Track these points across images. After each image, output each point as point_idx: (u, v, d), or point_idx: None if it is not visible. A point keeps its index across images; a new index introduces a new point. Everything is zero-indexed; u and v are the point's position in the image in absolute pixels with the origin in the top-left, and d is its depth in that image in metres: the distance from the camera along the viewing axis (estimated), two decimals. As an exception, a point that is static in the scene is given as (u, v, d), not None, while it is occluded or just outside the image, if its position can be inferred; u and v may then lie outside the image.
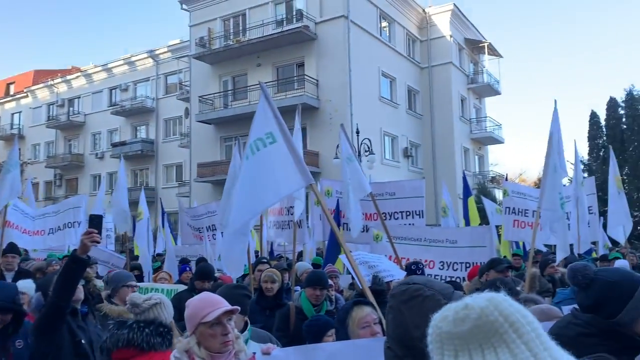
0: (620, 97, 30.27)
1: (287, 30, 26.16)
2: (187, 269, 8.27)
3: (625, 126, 29.64)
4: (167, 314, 2.98)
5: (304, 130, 25.84)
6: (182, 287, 6.18)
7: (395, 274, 5.51)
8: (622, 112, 30.11)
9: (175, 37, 37.53)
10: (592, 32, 73.10)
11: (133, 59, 37.14)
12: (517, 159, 74.78)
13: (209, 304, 2.53)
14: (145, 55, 36.33)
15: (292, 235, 6.73)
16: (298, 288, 5.63)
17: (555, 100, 6.54)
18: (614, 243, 12.74)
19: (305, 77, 25.97)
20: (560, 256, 7.25)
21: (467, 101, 33.72)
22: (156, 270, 9.06)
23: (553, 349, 0.91)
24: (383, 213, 9.47)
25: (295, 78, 26.85)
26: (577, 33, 73.40)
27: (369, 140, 20.28)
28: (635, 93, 29.91)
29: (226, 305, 2.54)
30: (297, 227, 7.59)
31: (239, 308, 2.62)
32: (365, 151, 19.73)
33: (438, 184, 29.69)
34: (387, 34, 29.73)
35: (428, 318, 1.03)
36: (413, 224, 9.01)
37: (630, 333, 2.06)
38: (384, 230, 7.01)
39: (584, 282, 2.27)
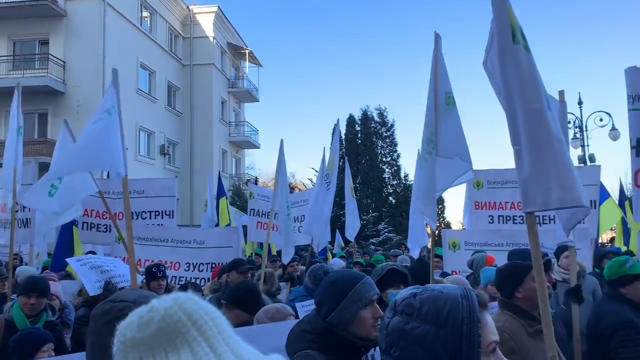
0: (357, 115, 34.60)
1: (29, 0, 22.84)
2: None
3: (360, 141, 33.91)
4: None
5: (44, 116, 23.11)
6: None
7: (129, 279, 5.15)
8: (358, 128, 34.39)
9: None
10: (339, 54, 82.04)
11: None
12: (271, 163, 79.15)
13: None
14: None
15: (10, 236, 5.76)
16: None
17: (339, 120, 7.05)
18: (346, 242, 14.42)
19: (50, 56, 23.03)
20: (286, 258, 7.81)
21: (227, 104, 34.34)
22: None
23: (236, 344, 0.90)
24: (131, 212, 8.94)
25: (37, 56, 23.61)
26: (330, 53, 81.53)
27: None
28: (369, 113, 34.54)
29: None
30: (21, 227, 6.57)
31: None
32: (117, 145, 18.39)
33: (195, 183, 29.54)
34: (148, 25, 28.40)
35: None
36: (162, 225, 8.68)
37: (343, 333, 2.10)
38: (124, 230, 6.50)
39: (316, 282, 2.36)
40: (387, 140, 34.66)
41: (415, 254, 10.76)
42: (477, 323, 1.20)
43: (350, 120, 34.18)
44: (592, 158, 18.07)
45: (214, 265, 7.45)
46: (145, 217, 8.85)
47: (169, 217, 8.86)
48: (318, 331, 2.13)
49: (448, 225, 30.32)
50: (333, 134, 9.21)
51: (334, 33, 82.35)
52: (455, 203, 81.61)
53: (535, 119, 2.40)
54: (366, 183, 32.41)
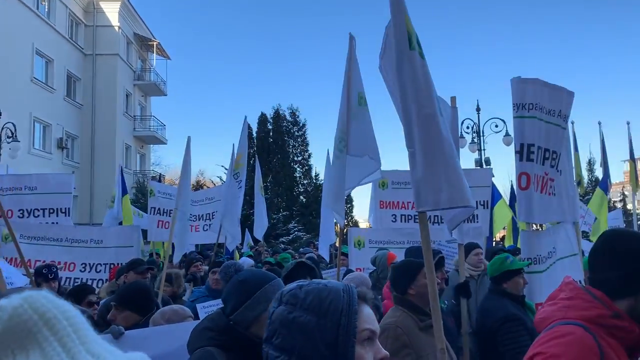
0: (269, 113, 34.51)
1: None
2: None
3: (271, 140, 33.86)
4: None
5: None
6: None
7: (16, 281, 4.79)
8: (270, 127, 34.32)
9: None
10: (252, 52, 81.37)
11: None
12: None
13: None
14: None
15: None
16: None
17: (246, 117, 6.90)
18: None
19: None
20: (177, 256, 7.67)
21: (132, 97, 32.87)
22: None
23: (93, 343, 0.86)
24: (20, 210, 8.28)
25: None
26: (243, 50, 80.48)
27: (13, 125, 17.54)
28: (281, 112, 34.58)
29: None
30: None
31: None
32: (8, 137, 16.99)
33: (96, 179, 28.00)
34: (46, 10, 26.48)
35: None
36: (57, 223, 8.15)
37: (245, 332, 2.09)
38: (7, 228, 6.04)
39: (227, 279, 2.31)
40: (298, 139, 34.88)
41: (324, 252, 10.92)
42: (354, 315, 1.26)
43: (262, 119, 34.04)
44: (487, 161, 19.31)
45: (112, 266, 7.13)
46: (38, 215, 8.30)
47: (65, 215, 8.37)
48: (220, 328, 2.11)
49: (356, 224, 31.11)
50: (241, 131, 9.13)
51: (248, 30, 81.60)
52: (364, 202, 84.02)
53: (427, 123, 2.53)
54: (277, 182, 32.42)
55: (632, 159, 16.07)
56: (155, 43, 34.26)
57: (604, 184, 13.02)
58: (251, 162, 33.85)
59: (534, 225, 5.16)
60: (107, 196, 18.25)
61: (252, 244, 15.74)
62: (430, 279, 2.54)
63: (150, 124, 34.84)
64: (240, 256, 11.29)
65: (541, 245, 4.24)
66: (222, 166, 27.92)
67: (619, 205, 29.48)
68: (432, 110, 2.52)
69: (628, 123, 15.51)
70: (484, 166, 19.08)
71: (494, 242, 11.85)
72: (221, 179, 27.58)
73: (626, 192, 30.04)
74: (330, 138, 4.41)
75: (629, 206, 25.14)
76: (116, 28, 30.26)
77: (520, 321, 3.62)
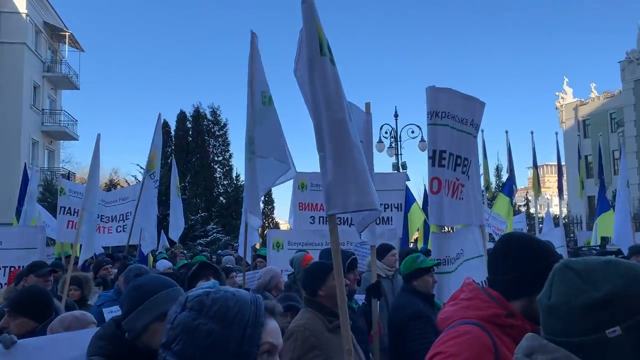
0: (189, 111, 33.67)
1: None
2: None
3: (191, 138, 33.05)
4: None
5: None
6: None
7: None
8: (189, 125, 33.49)
9: None
10: (172, 49, 79.11)
11: None
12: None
13: None
14: None
15: None
16: None
17: (161, 114, 6.63)
18: (172, 243, 13.91)
19: None
20: (82, 259, 7.39)
21: (41, 90, 30.86)
22: None
23: None
24: None
25: None
26: (162, 46, 78.03)
27: None
28: (201, 110, 33.85)
29: None
30: None
31: None
32: None
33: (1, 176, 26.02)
34: (-58, -10, 24.31)
35: None
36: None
37: (135, 341, 1.97)
38: None
39: (127, 283, 2.21)
40: (219, 139, 34.32)
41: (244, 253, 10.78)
42: (260, 327, 1.25)
43: (181, 117, 33.16)
44: (404, 165, 19.97)
45: (12, 269, 6.66)
46: None
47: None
48: (108, 337, 2.00)
49: (277, 225, 31.02)
50: (155, 128, 8.82)
51: (167, 27, 79.18)
52: (286, 203, 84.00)
53: (338, 128, 2.57)
54: (196, 182, 31.68)
55: (535, 167, 17.28)
56: (67, 34, 32.38)
57: (508, 189, 13.85)
58: (168, 161, 33.03)
59: (445, 228, 5.39)
60: (10, 195, 17.03)
61: (168, 246, 15.27)
62: (338, 281, 2.58)
63: (61, 118, 32.85)
64: (155, 259, 10.91)
65: (450, 247, 4.43)
66: (138, 165, 26.88)
67: (523, 209, 31.48)
68: (342, 116, 2.57)
69: (532, 132, 16.62)
70: (401, 170, 19.72)
71: (410, 244, 12.25)
72: (136, 178, 26.53)
73: (529, 197, 32.17)
74: (253, 138, 4.34)
75: (532, 210, 26.97)
76: (24, 15, 28.31)
77: (428, 319, 3.77)
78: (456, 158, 4.57)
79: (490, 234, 11.46)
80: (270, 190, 30.87)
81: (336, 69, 2.66)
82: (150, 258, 10.85)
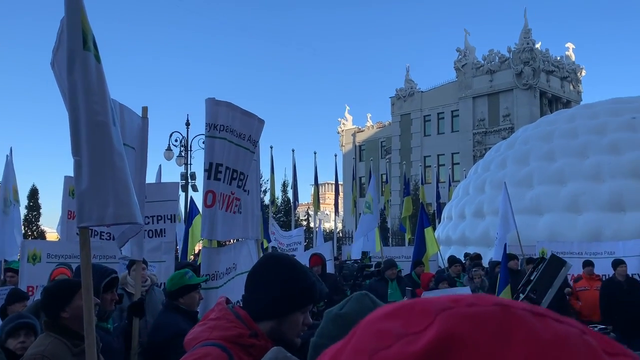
0: None
1: None
2: None
3: None
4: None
5: None
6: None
7: None
8: None
9: None
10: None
11: None
12: None
13: None
14: None
15: None
16: None
17: None
18: None
19: None
20: None
21: None
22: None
23: None
24: None
25: None
26: None
27: None
28: None
29: None
30: None
31: None
32: None
33: None
34: None
35: None
36: None
37: None
38: None
39: None
40: None
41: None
42: None
43: None
44: (192, 176, 19.61)
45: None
46: None
47: None
48: None
49: (42, 235, 27.42)
50: None
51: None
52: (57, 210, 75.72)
53: (98, 131, 2.34)
54: None
55: (316, 184, 18.58)
56: None
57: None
58: None
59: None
60: None
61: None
62: (86, 300, 2.32)
63: None
64: None
65: (220, 262, 4.40)
66: None
67: (304, 223, 33.47)
68: (105, 119, 2.35)
69: (315, 153, 17.87)
70: (190, 181, 19.33)
71: (189, 258, 12.02)
72: None
73: (310, 212, 34.36)
74: None
75: (312, 224, 28.83)
76: None
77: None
78: (232, 172, 4.59)
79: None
80: (37, 194, 27.20)
81: (102, 67, 2.42)
82: None
